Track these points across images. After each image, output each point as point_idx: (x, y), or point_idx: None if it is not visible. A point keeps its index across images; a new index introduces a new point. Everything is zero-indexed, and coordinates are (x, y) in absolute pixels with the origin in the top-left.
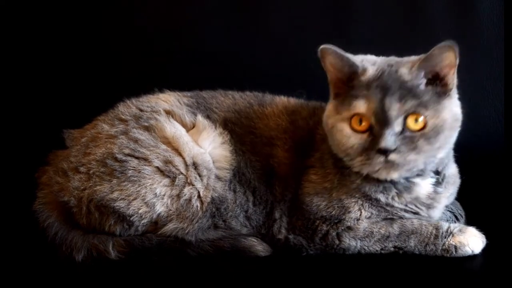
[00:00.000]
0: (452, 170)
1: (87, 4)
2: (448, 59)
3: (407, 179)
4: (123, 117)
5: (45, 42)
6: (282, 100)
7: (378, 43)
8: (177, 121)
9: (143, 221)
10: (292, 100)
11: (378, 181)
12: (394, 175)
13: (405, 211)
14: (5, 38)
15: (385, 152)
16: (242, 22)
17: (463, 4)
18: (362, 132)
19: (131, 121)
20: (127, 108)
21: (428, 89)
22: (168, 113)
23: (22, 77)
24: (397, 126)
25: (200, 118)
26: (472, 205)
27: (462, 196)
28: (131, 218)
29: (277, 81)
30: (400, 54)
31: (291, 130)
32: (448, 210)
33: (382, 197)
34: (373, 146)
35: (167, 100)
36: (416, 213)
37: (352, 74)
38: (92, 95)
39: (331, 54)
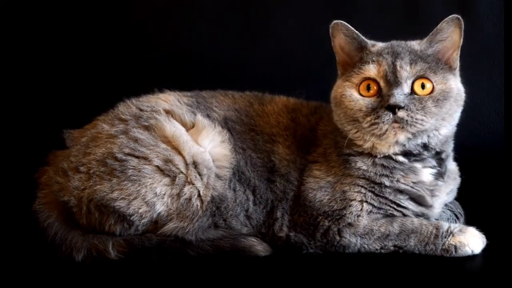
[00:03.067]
0: (452, 166)
1: (87, 4)
2: (454, 36)
3: (409, 159)
4: (123, 116)
5: (45, 42)
6: (281, 99)
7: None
8: (176, 121)
9: (143, 221)
10: (292, 99)
11: (384, 165)
12: (401, 136)
13: (410, 198)
14: (5, 38)
15: (394, 108)
16: (242, 22)
17: (463, 4)
18: (371, 96)
19: (131, 121)
20: (127, 108)
21: (435, 61)
22: (168, 112)
23: (22, 77)
24: (406, 88)
25: (199, 117)
26: (472, 205)
27: (462, 196)
28: (131, 218)
29: (277, 81)
30: None
31: (292, 127)
32: (448, 209)
33: (387, 181)
34: (381, 104)
35: (167, 99)
36: (421, 196)
37: (361, 50)
38: (92, 95)
39: (343, 30)
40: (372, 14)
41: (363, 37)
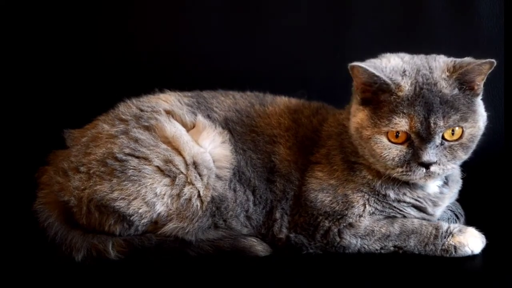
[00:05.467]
0: (456, 169)
1: (87, 5)
2: (484, 71)
3: None
4: (123, 117)
5: (45, 42)
6: (283, 100)
7: (378, 43)
8: (177, 121)
9: (143, 221)
10: (293, 100)
11: (392, 180)
12: (431, 182)
13: (413, 206)
14: (5, 38)
15: (428, 165)
16: (242, 22)
17: (463, 4)
18: (400, 143)
19: (132, 121)
20: (127, 108)
21: (461, 95)
22: (169, 113)
23: (22, 77)
24: (438, 140)
25: (200, 117)
26: (472, 205)
27: (462, 196)
28: (131, 218)
29: (278, 81)
30: None
31: (293, 128)
32: (449, 209)
33: (392, 194)
34: (414, 158)
35: (168, 100)
36: (423, 208)
37: (384, 91)
38: (93, 95)
39: (361, 73)
40: (371, 13)
41: (385, 77)
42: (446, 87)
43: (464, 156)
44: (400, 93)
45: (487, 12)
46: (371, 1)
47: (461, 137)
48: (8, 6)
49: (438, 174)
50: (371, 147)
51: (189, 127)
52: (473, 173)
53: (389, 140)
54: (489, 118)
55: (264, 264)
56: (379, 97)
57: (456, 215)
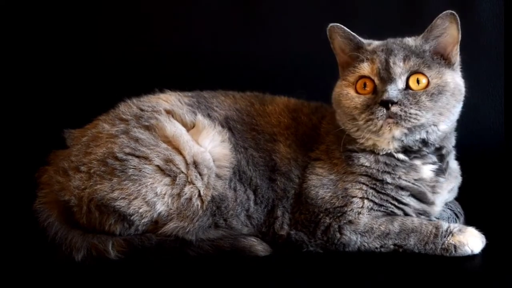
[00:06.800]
0: (454, 165)
1: (87, 4)
2: (451, 31)
3: (409, 156)
4: (124, 116)
5: (45, 42)
6: (282, 99)
7: None
8: (177, 121)
9: (143, 221)
10: (293, 100)
11: (386, 162)
12: (397, 132)
13: (412, 195)
14: (5, 38)
15: (387, 104)
16: (242, 22)
17: (463, 4)
18: (367, 94)
19: (132, 121)
20: (128, 107)
21: (430, 54)
22: (169, 112)
23: (22, 77)
24: (400, 83)
25: (200, 117)
26: (472, 205)
27: (462, 196)
28: (132, 218)
29: (277, 81)
30: None
31: (293, 126)
32: (448, 208)
33: (388, 178)
34: (376, 101)
35: (168, 99)
36: (423, 193)
37: (358, 50)
38: (93, 95)
39: (339, 32)
40: (372, 14)
41: (360, 38)
42: (412, 41)
43: (429, 104)
44: (368, 48)
45: (487, 12)
46: (371, 1)
47: (427, 86)
48: (8, 6)
49: (401, 116)
50: (341, 103)
51: (189, 127)
52: (473, 172)
53: (357, 92)
54: (489, 118)
55: (264, 264)
56: (353, 63)
57: (456, 215)
